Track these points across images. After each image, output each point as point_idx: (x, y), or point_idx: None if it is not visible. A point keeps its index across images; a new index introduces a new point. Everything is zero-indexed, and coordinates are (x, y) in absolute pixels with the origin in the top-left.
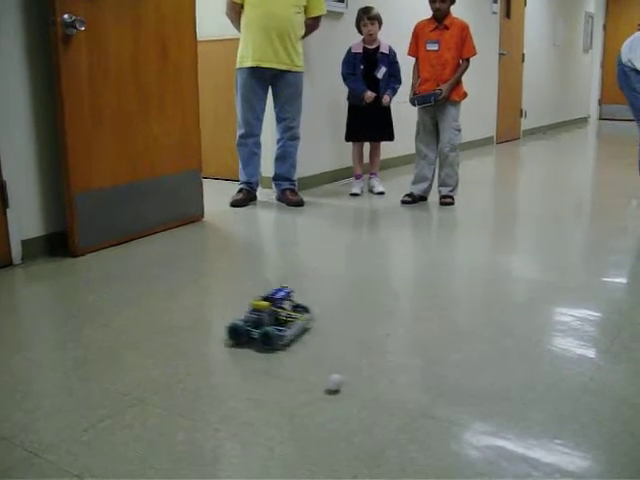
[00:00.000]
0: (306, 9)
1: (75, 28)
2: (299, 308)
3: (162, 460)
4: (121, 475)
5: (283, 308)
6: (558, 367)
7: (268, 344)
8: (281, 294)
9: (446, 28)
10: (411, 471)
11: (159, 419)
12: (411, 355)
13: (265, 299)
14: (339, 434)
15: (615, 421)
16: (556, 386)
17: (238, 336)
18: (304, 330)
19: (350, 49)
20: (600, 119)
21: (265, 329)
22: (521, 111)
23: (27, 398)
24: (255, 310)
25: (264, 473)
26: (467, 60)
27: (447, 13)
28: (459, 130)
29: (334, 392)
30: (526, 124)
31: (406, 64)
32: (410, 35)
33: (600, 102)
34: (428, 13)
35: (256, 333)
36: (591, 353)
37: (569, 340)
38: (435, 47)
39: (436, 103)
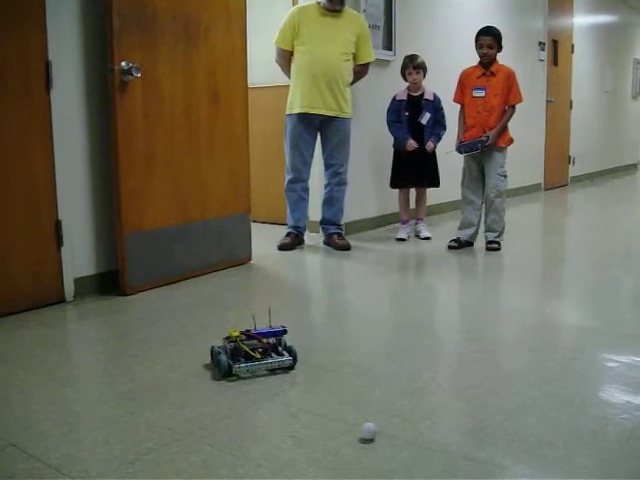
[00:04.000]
0: (355, 56)
1: (131, 75)
2: (286, 351)
3: None
4: None
5: (264, 344)
6: (603, 412)
7: (219, 370)
8: (266, 331)
9: (493, 75)
10: None
11: (203, 454)
12: (453, 398)
13: (243, 332)
14: (380, 474)
15: None
16: (601, 431)
17: (210, 355)
18: (272, 369)
19: (395, 97)
20: None
21: (219, 357)
22: (569, 158)
23: (75, 430)
24: (227, 338)
25: None
26: (513, 107)
27: (494, 60)
28: (505, 176)
29: (368, 441)
30: (574, 171)
31: (451, 112)
32: (454, 82)
33: None
34: (472, 61)
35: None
36: (637, 399)
37: (615, 386)
38: (482, 93)
39: (483, 150)
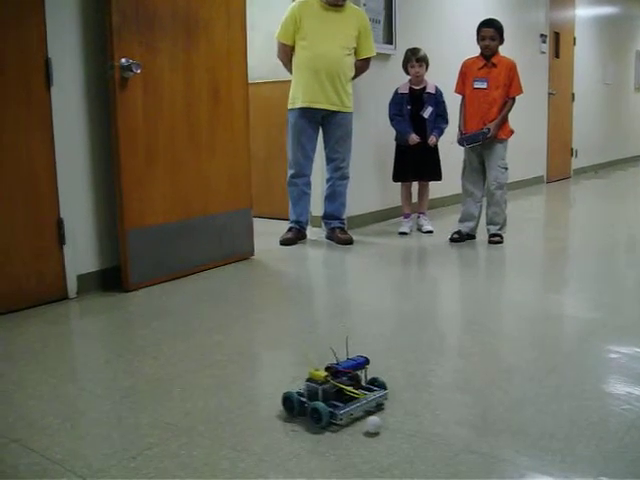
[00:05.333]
0: (356, 51)
1: (131, 71)
2: (376, 382)
3: None
4: None
5: (354, 380)
6: (604, 404)
7: (317, 421)
8: (350, 364)
9: (494, 66)
10: None
11: (205, 448)
12: (455, 390)
13: (327, 368)
14: (381, 466)
15: None
16: (602, 423)
17: (291, 407)
18: (370, 409)
19: (397, 90)
20: None
21: (315, 404)
22: (572, 150)
23: (78, 425)
24: (310, 380)
25: None
26: (513, 98)
27: (496, 51)
28: (506, 168)
29: (373, 435)
30: (577, 163)
31: (453, 104)
32: (455, 75)
33: None
34: (473, 53)
35: (308, 406)
36: (639, 390)
37: (616, 377)
38: (483, 85)
39: (484, 142)
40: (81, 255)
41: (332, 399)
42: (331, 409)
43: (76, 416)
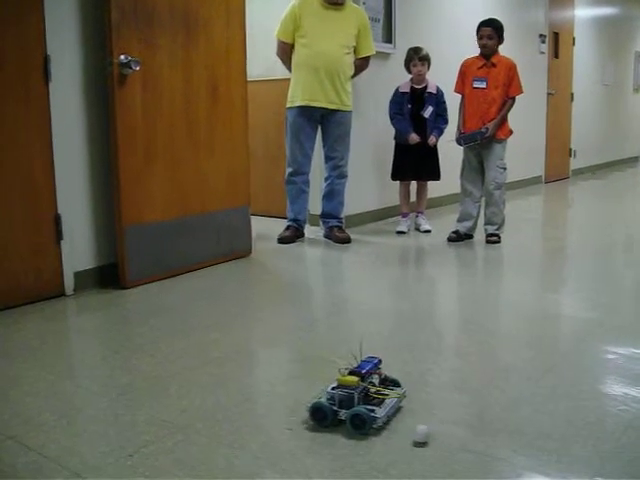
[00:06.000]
0: (356, 49)
1: (130, 68)
2: (388, 382)
3: None
4: None
5: (372, 383)
6: (601, 404)
7: (359, 427)
8: (369, 366)
9: (493, 66)
10: None
11: (201, 446)
12: (452, 390)
13: (352, 373)
14: (378, 466)
15: None
16: (599, 423)
17: (323, 417)
18: (397, 409)
19: (398, 89)
20: None
21: (356, 409)
22: (570, 150)
23: (74, 422)
24: (342, 386)
25: None
26: (513, 98)
27: (495, 51)
28: (505, 168)
29: (421, 444)
30: (575, 163)
31: (452, 104)
32: (455, 74)
33: None
34: (473, 53)
35: (344, 414)
36: (635, 391)
37: (613, 377)
38: (482, 85)
39: (482, 141)
40: (79, 252)
41: (363, 403)
42: (372, 414)
43: (73, 413)
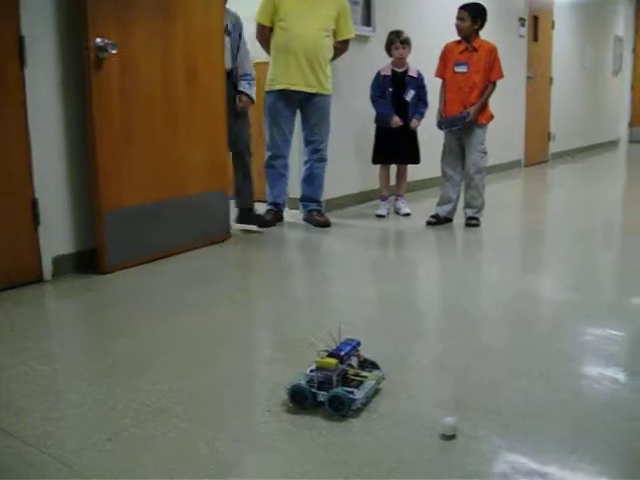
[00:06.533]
0: (335, 33)
1: (107, 51)
2: (367, 364)
3: (182, 468)
4: None
5: (351, 365)
6: (578, 384)
7: (337, 409)
8: (348, 349)
9: (475, 50)
10: None
11: (181, 429)
12: (431, 371)
13: (331, 355)
14: (356, 446)
15: (632, 438)
16: (574, 403)
17: (302, 399)
18: (375, 391)
19: (379, 72)
20: (630, 142)
21: (334, 391)
22: (549, 134)
23: (55, 407)
24: (321, 369)
25: None
26: (494, 83)
27: (469, 34)
28: (485, 153)
29: (450, 437)
30: (555, 147)
31: (433, 88)
32: (435, 58)
33: (630, 124)
34: (452, 37)
35: (323, 396)
36: (611, 371)
37: (590, 358)
38: (464, 69)
39: (464, 126)
40: (57, 237)
41: (342, 385)
42: (350, 395)
43: (52, 398)
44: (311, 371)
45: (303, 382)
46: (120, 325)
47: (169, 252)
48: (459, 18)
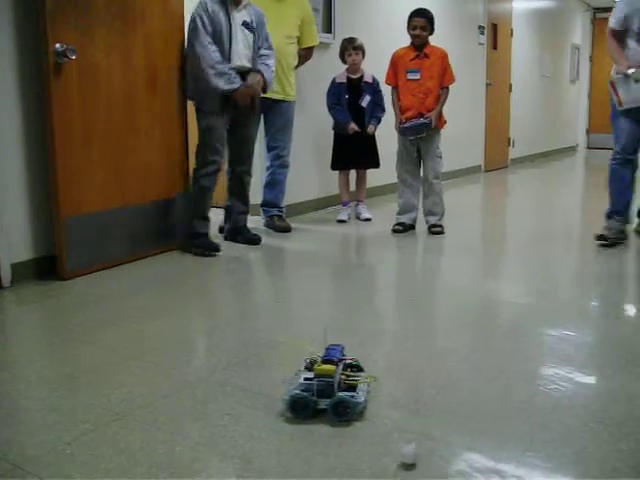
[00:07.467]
0: (299, 40)
1: (66, 57)
2: (353, 368)
3: (142, 471)
4: None
5: (344, 370)
6: (533, 384)
7: (343, 414)
8: (337, 354)
9: (426, 57)
10: None
11: (141, 433)
12: (389, 373)
13: (326, 361)
14: (312, 445)
15: (585, 435)
16: (530, 402)
17: (303, 408)
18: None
19: (334, 79)
20: (588, 148)
21: (339, 397)
22: (509, 140)
23: (13, 413)
24: (320, 376)
25: None
26: (447, 88)
27: (426, 41)
28: (441, 157)
29: (410, 466)
30: (514, 153)
31: (388, 94)
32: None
33: (588, 131)
34: (408, 41)
35: (325, 403)
36: (565, 370)
37: (545, 358)
38: (416, 76)
39: (428, 133)
40: (16, 243)
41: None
42: (354, 399)
43: (11, 404)
44: (306, 379)
45: (301, 392)
46: (79, 331)
47: (129, 258)
48: (422, 28)
